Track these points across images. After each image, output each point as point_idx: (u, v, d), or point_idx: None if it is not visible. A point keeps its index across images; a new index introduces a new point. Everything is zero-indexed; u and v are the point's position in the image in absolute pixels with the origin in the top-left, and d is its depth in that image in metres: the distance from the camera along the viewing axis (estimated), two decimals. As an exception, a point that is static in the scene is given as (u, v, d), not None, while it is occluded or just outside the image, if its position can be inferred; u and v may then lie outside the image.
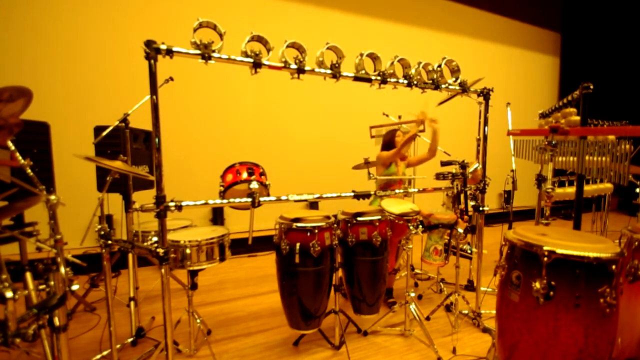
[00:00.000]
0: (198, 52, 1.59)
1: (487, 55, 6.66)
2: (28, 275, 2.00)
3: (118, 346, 2.12)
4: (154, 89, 1.51)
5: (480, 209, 2.43)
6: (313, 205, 4.72)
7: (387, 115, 3.83)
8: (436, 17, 6.12)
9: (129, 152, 2.33)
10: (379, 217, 2.21)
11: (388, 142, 2.94)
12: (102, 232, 1.67)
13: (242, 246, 3.94)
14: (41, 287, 1.19)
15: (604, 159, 1.95)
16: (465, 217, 2.20)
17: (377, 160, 2.84)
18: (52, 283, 1.18)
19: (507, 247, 1.48)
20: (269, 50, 1.75)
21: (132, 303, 2.26)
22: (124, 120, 2.26)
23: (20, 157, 1.30)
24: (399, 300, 2.43)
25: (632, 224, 1.72)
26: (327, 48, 1.88)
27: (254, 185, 1.82)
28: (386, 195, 2.44)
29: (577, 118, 2.56)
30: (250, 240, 2.28)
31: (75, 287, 1.26)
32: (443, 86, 2.25)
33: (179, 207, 1.59)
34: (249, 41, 1.69)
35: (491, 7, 6.67)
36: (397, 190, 2.38)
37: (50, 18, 3.73)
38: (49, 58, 3.76)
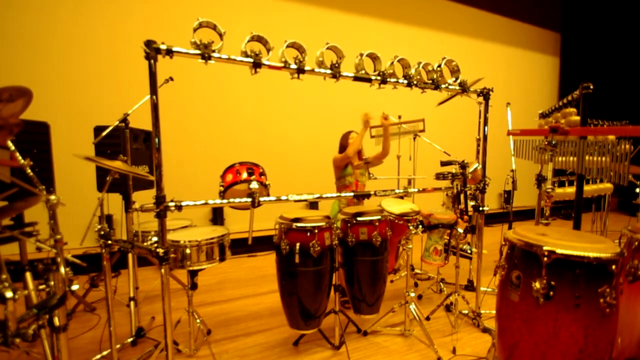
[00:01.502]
0: (198, 52, 1.59)
1: (487, 55, 6.66)
2: (28, 275, 2.00)
3: (118, 346, 2.12)
4: (154, 89, 1.51)
5: (480, 209, 2.43)
6: (313, 205, 4.72)
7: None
8: (436, 17, 6.12)
9: (129, 152, 2.33)
10: (379, 217, 2.21)
11: (342, 145, 2.90)
12: (102, 232, 1.67)
13: (242, 246, 3.95)
14: (41, 287, 1.19)
15: (604, 159, 1.95)
16: (465, 217, 2.20)
17: (333, 163, 2.81)
18: (52, 283, 1.18)
19: (507, 247, 1.48)
20: (269, 50, 1.75)
21: (132, 303, 2.26)
22: (124, 120, 2.26)
23: (20, 157, 1.30)
24: (399, 300, 2.43)
25: (632, 224, 1.72)
26: (327, 48, 1.88)
27: (254, 185, 1.82)
28: (387, 195, 2.44)
29: (577, 118, 2.55)
30: (250, 240, 2.28)
31: (75, 287, 1.26)
32: (443, 86, 2.25)
33: (179, 207, 1.59)
34: (249, 41, 1.69)
35: (491, 7, 6.67)
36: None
37: (50, 18, 3.73)
38: (49, 58, 3.76)
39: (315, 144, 5.15)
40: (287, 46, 1.78)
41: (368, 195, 2.12)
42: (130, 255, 2.34)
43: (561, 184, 3.25)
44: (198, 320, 2.16)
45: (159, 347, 1.98)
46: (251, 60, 1.69)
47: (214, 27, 1.62)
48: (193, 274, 2.05)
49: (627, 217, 5.27)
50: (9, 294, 1.06)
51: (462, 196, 2.18)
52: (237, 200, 1.79)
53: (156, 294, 2.98)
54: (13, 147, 1.30)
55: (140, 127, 2.69)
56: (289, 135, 5.02)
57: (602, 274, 1.25)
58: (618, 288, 1.27)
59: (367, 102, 5.17)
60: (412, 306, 2.32)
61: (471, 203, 2.40)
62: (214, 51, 1.61)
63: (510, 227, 2.74)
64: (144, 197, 2.25)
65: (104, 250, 1.68)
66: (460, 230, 2.37)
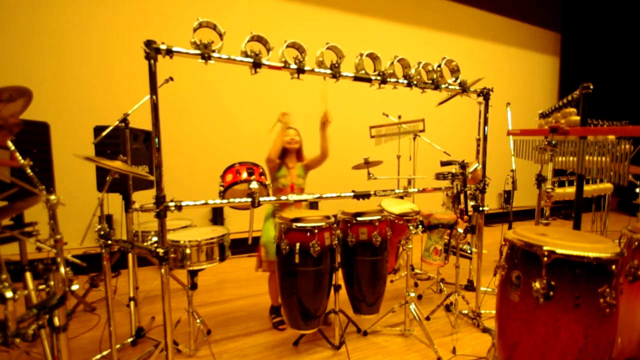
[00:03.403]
0: (198, 52, 1.59)
1: (487, 55, 6.66)
2: (28, 275, 2.00)
3: (118, 346, 2.12)
4: (154, 89, 1.51)
5: (480, 209, 2.43)
6: (313, 205, 4.71)
7: (387, 115, 3.83)
8: (436, 17, 6.12)
9: (128, 152, 2.33)
10: (379, 217, 2.21)
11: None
12: (102, 232, 1.67)
13: (242, 246, 3.95)
14: (41, 287, 1.19)
15: (603, 159, 1.95)
16: (465, 217, 2.20)
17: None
18: (52, 283, 1.18)
19: (507, 247, 1.48)
20: (268, 50, 1.75)
21: (132, 303, 2.26)
22: (124, 120, 2.26)
23: (20, 157, 1.30)
24: (399, 300, 2.43)
25: (632, 224, 1.72)
26: (327, 48, 1.88)
27: (254, 185, 1.82)
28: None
29: (577, 118, 2.55)
30: (250, 240, 2.28)
31: (75, 287, 1.26)
32: (443, 86, 2.25)
33: (179, 207, 1.59)
34: (249, 41, 1.68)
35: (491, 7, 6.67)
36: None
37: (50, 18, 3.73)
38: (49, 58, 3.76)
39: (315, 143, 5.15)
40: (287, 46, 1.77)
41: (368, 195, 2.11)
42: (130, 255, 2.34)
43: (561, 184, 3.25)
44: (198, 320, 2.16)
45: (159, 347, 1.98)
46: (251, 60, 1.69)
47: (214, 27, 1.62)
48: (193, 274, 2.05)
49: (627, 217, 5.27)
50: (9, 294, 1.06)
51: (462, 196, 2.18)
52: (237, 200, 1.79)
53: (156, 294, 2.98)
54: (13, 147, 1.30)
55: (140, 127, 2.69)
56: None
57: (602, 274, 1.25)
58: (618, 288, 1.27)
59: (367, 102, 5.18)
60: (412, 306, 2.32)
61: (471, 203, 2.40)
62: (214, 51, 1.61)
63: (510, 227, 2.74)
64: (144, 197, 2.25)
65: (104, 250, 1.68)
66: (460, 230, 2.37)
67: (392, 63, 2.04)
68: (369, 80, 2.02)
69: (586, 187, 2.95)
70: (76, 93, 3.88)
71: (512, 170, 3.16)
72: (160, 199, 1.55)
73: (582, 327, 1.24)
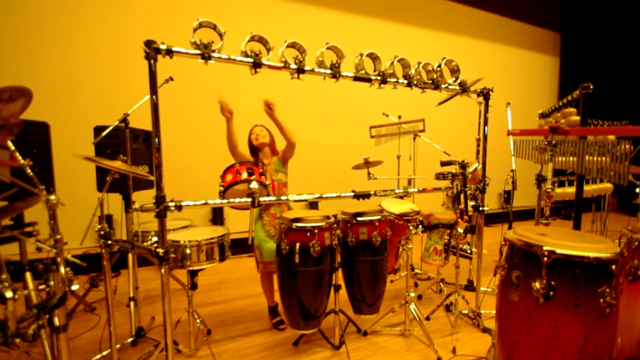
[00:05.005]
0: (198, 52, 1.59)
1: (487, 55, 6.66)
2: (28, 275, 2.00)
3: (118, 346, 2.12)
4: (153, 89, 1.51)
5: (480, 209, 2.43)
6: (313, 205, 4.72)
7: (387, 115, 3.83)
8: (436, 17, 6.12)
9: (128, 152, 2.34)
10: (379, 217, 2.21)
11: (248, 142, 2.77)
12: (102, 232, 1.67)
13: (242, 246, 3.95)
14: (41, 287, 1.19)
15: (603, 159, 1.95)
16: (465, 217, 2.19)
17: None
18: (52, 283, 1.18)
19: (507, 247, 1.48)
20: (268, 50, 1.75)
21: (132, 303, 2.26)
22: (124, 120, 2.26)
23: (20, 157, 1.30)
24: (399, 300, 2.43)
25: (632, 224, 1.72)
26: (327, 48, 1.88)
27: (254, 185, 1.82)
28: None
29: (577, 118, 2.55)
30: (250, 240, 2.28)
31: (75, 287, 1.26)
32: (443, 86, 2.25)
33: (179, 207, 1.59)
34: (249, 41, 1.68)
35: (491, 7, 6.67)
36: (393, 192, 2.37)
37: (50, 17, 3.73)
38: (49, 58, 3.76)
39: (316, 143, 5.15)
40: (287, 46, 1.77)
41: (368, 195, 2.11)
42: (130, 255, 2.34)
43: (561, 184, 3.25)
44: (198, 320, 2.16)
45: (159, 347, 1.98)
46: (251, 60, 1.69)
47: (214, 27, 1.62)
48: (193, 274, 2.05)
49: (627, 217, 5.27)
50: (9, 294, 1.06)
51: (462, 196, 2.18)
52: (237, 200, 1.79)
53: (156, 294, 2.98)
54: (13, 147, 1.30)
55: (140, 127, 2.69)
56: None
57: (602, 274, 1.25)
58: (618, 288, 1.27)
59: (367, 102, 5.18)
60: (412, 306, 2.32)
61: (471, 203, 2.40)
62: (214, 51, 1.61)
63: (510, 227, 2.74)
64: (144, 197, 2.25)
65: (104, 250, 1.68)
66: (460, 230, 2.37)
67: (392, 63, 2.04)
68: (369, 80, 2.02)
69: (586, 187, 2.95)
70: (76, 93, 3.88)
71: (512, 170, 3.16)
72: (160, 199, 1.55)
73: (582, 327, 1.24)
